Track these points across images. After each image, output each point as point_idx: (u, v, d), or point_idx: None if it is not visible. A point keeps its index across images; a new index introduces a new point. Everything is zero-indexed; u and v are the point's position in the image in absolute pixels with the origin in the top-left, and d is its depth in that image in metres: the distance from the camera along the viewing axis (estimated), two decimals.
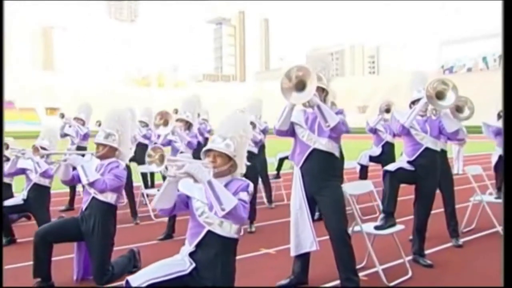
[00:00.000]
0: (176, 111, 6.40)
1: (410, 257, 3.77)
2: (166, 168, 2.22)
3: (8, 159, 4.95)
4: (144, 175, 6.75)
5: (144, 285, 2.16)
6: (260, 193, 6.59)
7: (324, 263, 3.40)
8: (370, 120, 6.34)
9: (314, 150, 3.17)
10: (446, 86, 3.56)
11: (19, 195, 4.82)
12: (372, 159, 6.23)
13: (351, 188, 3.67)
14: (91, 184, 3.36)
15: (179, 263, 2.35)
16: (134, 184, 6.09)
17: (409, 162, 3.83)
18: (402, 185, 3.86)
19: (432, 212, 3.90)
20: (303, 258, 3.30)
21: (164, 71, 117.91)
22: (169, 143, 5.08)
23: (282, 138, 3.32)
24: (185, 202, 2.43)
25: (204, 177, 2.18)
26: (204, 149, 2.45)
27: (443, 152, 4.27)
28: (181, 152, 4.89)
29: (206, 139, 7.09)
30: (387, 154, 6.08)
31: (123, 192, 5.85)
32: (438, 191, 4.08)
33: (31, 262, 3.31)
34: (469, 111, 4.05)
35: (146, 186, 6.76)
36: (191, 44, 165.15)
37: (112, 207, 3.49)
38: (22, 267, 3.67)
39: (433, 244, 4.19)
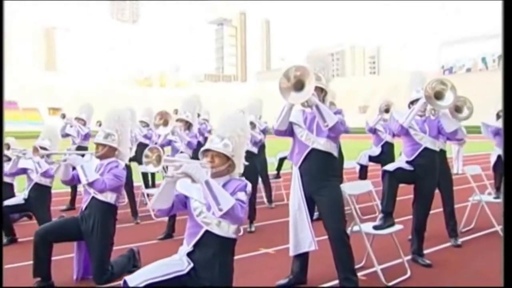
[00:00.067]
0: (176, 112, 6.42)
1: (409, 257, 3.78)
2: (165, 169, 2.23)
3: (9, 159, 4.98)
4: (144, 175, 6.77)
5: (142, 285, 2.16)
6: (260, 193, 6.61)
7: (323, 263, 3.40)
8: (369, 120, 6.36)
9: (313, 150, 3.18)
10: (445, 86, 3.56)
11: (20, 195, 4.85)
12: (371, 159, 6.24)
13: (350, 188, 3.67)
14: (91, 184, 3.37)
15: (177, 263, 2.35)
16: (135, 183, 6.12)
17: (408, 162, 3.84)
18: (401, 185, 3.86)
19: (431, 212, 3.90)
20: (302, 258, 3.31)
21: (165, 71, 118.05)
22: (169, 143, 5.10)
23: (282, 138, 3.33)
24: (183, 202, 2.44)
25: (202, 177, 2.18)
26: (202, 149, 2.45)
27: (442, 152, 4.27)
28: (181, 152, 4.91)
29: (206, 139, 7.11)
30: (386, 154, 6.09)
31: (124, 192, 5.88)
32: (437, 191, 4.08)
33: (31, 262, 3.32)
34: (468, 111, 4.05)
35: (146, 186, 6.78)
36: (192, 44, 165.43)
37: (111, 206, 3.50)
38: (22, 266, 3.69)
39: (432, 243, 4.19)
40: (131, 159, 4.92)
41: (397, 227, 3.62)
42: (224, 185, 2.37)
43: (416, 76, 4.12)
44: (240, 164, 2.49)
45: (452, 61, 61.92)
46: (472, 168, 5.17)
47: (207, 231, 2.35)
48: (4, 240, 4.64)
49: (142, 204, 6.26)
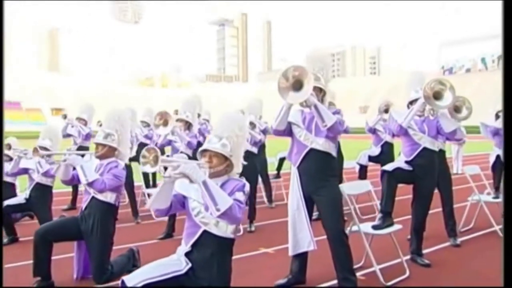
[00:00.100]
0: (176, 112, 6.43)
1: (407, 257, 3.78)
2: (166, 169, 2.23)
3: (11, 159, 5.02)
4: (145, 175, 6.79)
5: (139, 285, 2.15)
6: (260, 192, 6.62)
7: (322, 262, 3.40)
8: (369, 120, 6.37)
9: (311, 150, 3.18)
10: (444, 86, 3.56)
11: (22, 194, 4.88)
12: (371, 159, 6.24)
13: (349, 188, 3.68)
14: (90, 184, 3.38)
15: (175, 263, 2.35)
16: (136, 183, 6.13)
17: (407, 162, 3.84)
18: (400, 185, 3.86)
19: (430, 211, 3.90)
20: (301, 258, 3.31)
21: (167, 71, 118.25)
22: (169, 143, 5.11)
23: (282, 138, 3.33)
24: (181, 202, 2.43)
25: (199, 178, 2.17)
26: (200, 149, 2.45)
27: (442, 152, 4.27)
28: (181, 152, 4.92)
29: None
30: (386, 154, 6.09)
31: (124, 192, 5.90)
32: (436, 191, 4.08)
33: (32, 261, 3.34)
34: (467, 111, 4.05)
35: (147, 186, 6.80)
36: (194, 45, 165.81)
37: (111, 206, 3.51)
38: (22, 265, 3.70)
39: (431, 243, 4.20)
40: (132, 159, 4.93)
41: (396, 227, 3.62)
42: (222, 185, 2.37)
43: (414, 76, 4.11)
44: (239, 164, 2.48)
45: (452, 61, 62.12)
46: (471, 168, 5.17)
47: (205, 231, 2.35)
48: (6, 239, 4.67)
49: (143, 204, 6.27)
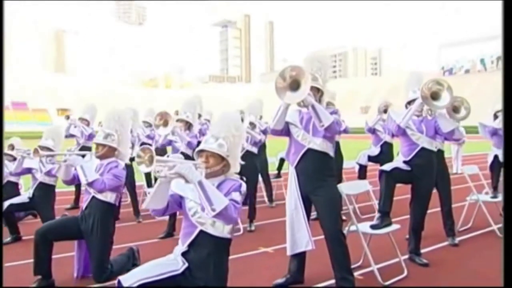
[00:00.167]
0: (177, 112, 6.47)
1: (406, 256, 3.79)
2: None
3: (15, 159, 5.08)
4: (147, 174, 6.82)
5: (135, 285, 2.15)
6: (261, 192, 6.65)
7: (320, 262, 3.42)
8: (369, 120, 6.38)
9: (309, 150, 3.19)
10: (441, 86, 3.57)
11: (25, 194, 4.93)
12: (370, 159, 6.25)
13: (348, 188, 3.68)
14: (90, 184, 3.41)
15: (172, 262, 2.35)
16: (137, 183, 6.18)
17: (405, 162, 3.84)
18: (398, 185, 3.86)
19: (429, 211, 3.91)
20: (299, 257, 3.32)
21: (171, 72, 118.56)
22: (169, 143, 5.14)
23: (283, 138, 3.34)
24: (178, 202, 2.43)
25: (195, 178, 2.16)
26: (196, 149, 2.46)
27: (440, 152, 4.28)
28: (181, 153, 4.95)
29: None
30: (385, 154, 6.10)
31: (126, 191, 5.95)
32: (435, 191, 4.09)
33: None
34: (465, 111, 4.05)
35: (149, 185, 6.83)
36: (197, 46, 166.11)
37: (111, 206, 3.54)
38: (24, 264, 3.74)
39: (429, 243, 4.20)
40: (133, 159, 4.96)
41: (394, 226, 3.63)
42: (219, 185, 2.37)
43: (413, 77, 4.12)
44: (236, 164, 2.48)
45: (452, 62, 62.31)
46: (469, 167, 5.18)
47: (201, 231, 2.35)
48: (9, 238, 4.74)
49: None
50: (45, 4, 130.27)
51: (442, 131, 3.81)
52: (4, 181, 5.25)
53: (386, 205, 3.70)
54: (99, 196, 3.47)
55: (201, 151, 2.43)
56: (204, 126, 7.16)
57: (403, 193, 4.38)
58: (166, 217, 4.93)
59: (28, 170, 4.87)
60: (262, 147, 6.10)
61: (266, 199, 6.75)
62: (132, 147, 5.90)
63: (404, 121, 3.75)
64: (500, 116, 5.03)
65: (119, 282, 2.20)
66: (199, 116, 6.80)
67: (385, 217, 3.65)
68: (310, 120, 3.20)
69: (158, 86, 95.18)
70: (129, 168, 5.16)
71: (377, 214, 3.74)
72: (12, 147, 5.38)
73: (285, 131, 3.26)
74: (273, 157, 7.67)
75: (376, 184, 4.40)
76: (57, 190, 4.94)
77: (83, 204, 3.56)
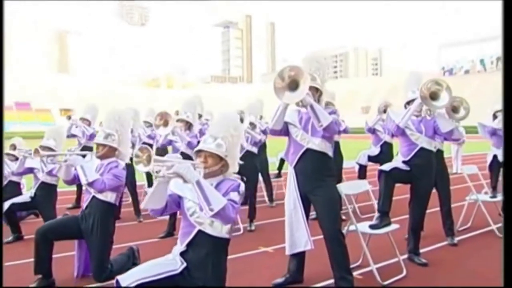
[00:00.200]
0: (177, 112, 6.48)
1: (405, 256, 3.79)
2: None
3: (17, 159, 5.11)
4: (148, 174, 6.84)
5: (133, 284, 2.15)
6: (261, 192, 6.66)
7: (319, 262, 3.43)
8: (369, 120, 6.40)
9: (308, 150, 3.20)
10: (440, 86, 3.57)
11: (27, 193, 4.96)
12: (370, 158, 6.26)
13: (347, 187, 3.69)
14: (90, 184, 3.42)
15: (170, 262, 2.35)
16: (138, 182, 6.20)
17: (404, 162, 3.85)
18: (397, 185, 3.86)
19: (428, 211, 3.91)
20: (298, 257, 3.33)
21: (173, 73, 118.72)
22: (170, 143, 5.16)
23: (283, 138, 3.35)
24: (176, 202, 2.43)
25: (193, 178, 2.16)
26: (195, 149, 2.46)
27: (439, 152, 4.28)
28: (181, 153, 4.97)
29: None
30: (385, 154, 6.11)
31: (126, 190, 5.96)
32: (434, 190, 4.09)
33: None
34: (464, 111, 4.06)
35: (150, 185, 6.85)
36: (199, 46, 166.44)
37: (111, 206, 3.55)
38: (24, 263, 3.76)
39: (428, 242, 4.21)
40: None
41: (393, 226, 3.63)
42: (217, 185, 2.38)
43: (412, 77, 4.12)
44: (235, 163, 2.48)
45: (452, 62, 62.37)
46: (469, 167, 5.18)
47: (200, 231, 2.35)
48: (10, 237, 4.76)
49: None
50: (47, 4, 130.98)
51: (441, 131, 3.82)
52: (6, 180, 5.30)
53: (385, 205, 3.71)
54: (100, 196, 3.48)
55: (200, 151, 2.43)
56: (205, 126, 7.16)
57: (402, 193, 4.38)
58: (167, 217, 4.95)
59: (30, 170, 4.91)
60: (262, 147, 6.11)
61: (266, 198, 6.76)
62: (133, 147, 5.92)
63: (403, 121, 3.76)
64: (499, 116, 5.04)
65: (117, 281, 2.20)
66: (200, 116, 6.82)
67: (384, 217, 3.66)
68: (309, 120, 3.21)
69: (160, 86, 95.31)
70: (130, 168, 5.17)
71: (376, 214, 3.74)
72: (14, 147, 5.41)
73: (284, 131, 3.27)
74: (274, 157, 7.68)
75: (375, 184, 4.40)
76: (58, 189, 4.98)
77: (84, 203, 3.58)
